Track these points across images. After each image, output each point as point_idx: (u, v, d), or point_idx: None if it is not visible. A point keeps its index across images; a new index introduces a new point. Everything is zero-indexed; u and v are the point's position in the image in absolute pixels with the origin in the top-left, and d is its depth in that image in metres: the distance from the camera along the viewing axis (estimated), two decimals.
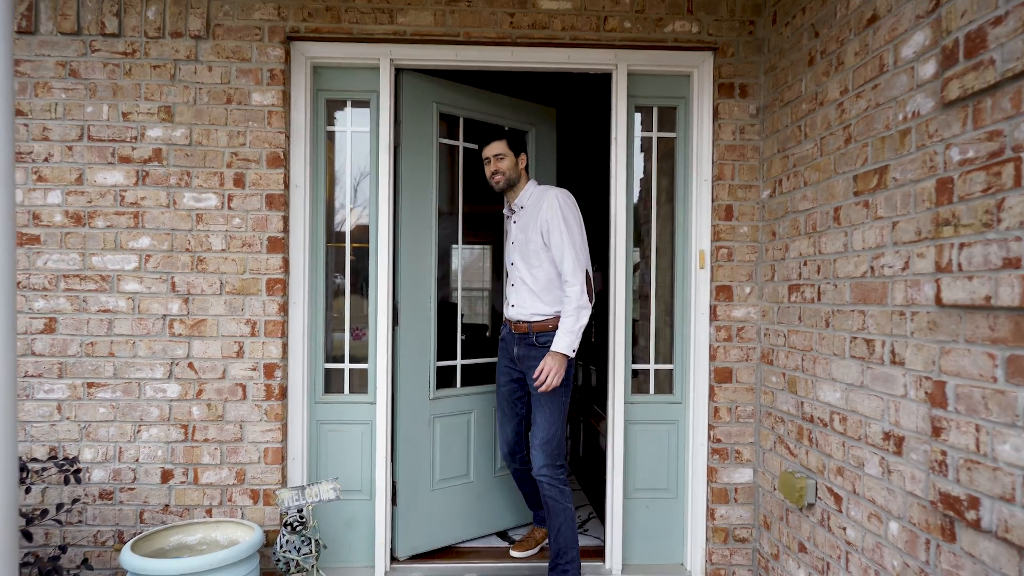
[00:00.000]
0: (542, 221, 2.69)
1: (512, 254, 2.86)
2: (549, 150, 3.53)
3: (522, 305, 2.79)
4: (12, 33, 1.38)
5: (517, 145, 2.84)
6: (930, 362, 1.77)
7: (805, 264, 2.47)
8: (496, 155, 2.81)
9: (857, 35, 2.15)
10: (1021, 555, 1.46)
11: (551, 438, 2.69)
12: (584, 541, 3.24)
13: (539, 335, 2.75)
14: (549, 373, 2.58)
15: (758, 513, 2.85)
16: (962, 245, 1.64)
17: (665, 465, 3.01)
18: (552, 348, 2.60)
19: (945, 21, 1.73)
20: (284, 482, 2.82)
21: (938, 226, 1.74)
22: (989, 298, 1.55)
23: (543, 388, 2.59)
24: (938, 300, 1.72)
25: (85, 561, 2.56)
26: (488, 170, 2.86)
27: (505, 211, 2.96)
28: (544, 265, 2.72)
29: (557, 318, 2.70)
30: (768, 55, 2.81)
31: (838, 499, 2.22)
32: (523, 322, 2.79)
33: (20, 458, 2.55)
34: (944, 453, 1.70)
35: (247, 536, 2.58)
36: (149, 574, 2.28)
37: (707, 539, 2.91)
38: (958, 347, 1.66)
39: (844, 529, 2.19)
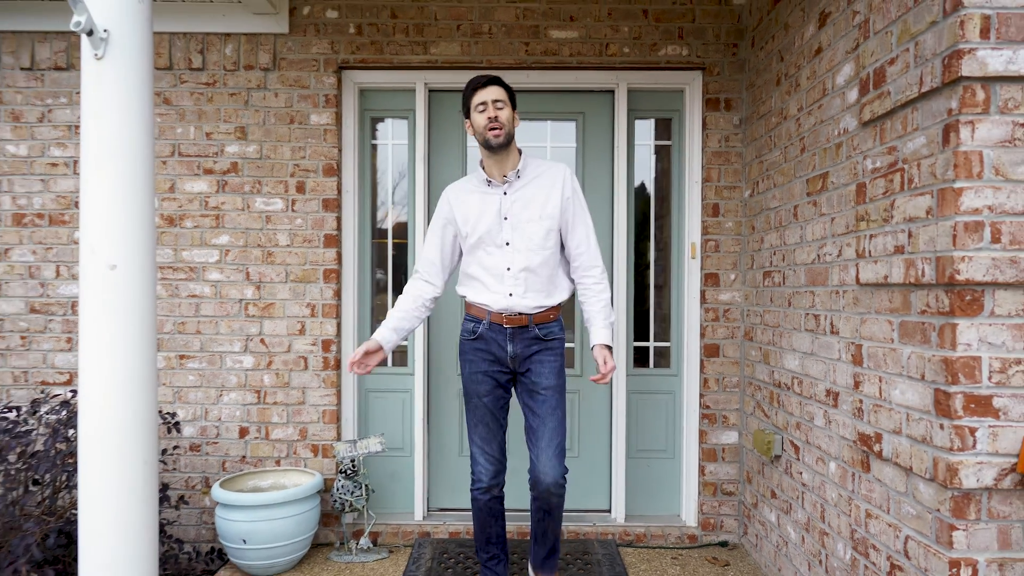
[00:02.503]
0: (559, 199, 2.43)
1: (503, 232, 2.43)
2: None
3: (524, 294, 2.42)
4: (152, 73, 1.93)
5: (512, 98, 2.47)
6: (854, 330, 2.21)
7: (775, 254, 2.91)
8: (495, 101, 2.38)
9: (808, 62, 2.59)
10: (907, 474, 1.91)
11: (563, 443, 2.43)
12: (590, 502, 3.71)
13: (541, 326, 2.46)
14: (614, 368, 2.41)
15: (742, 470, 3.30)
16: (871, 236, 2.09)
17: (664, 429, 3.48)
18: (604, 342, 2.44)
19: (861, 58, 2.17)
20: (339, 438, 3.36)
21: (857, 221, 2.18)
22: (887, 277, 1.99)
23: (604, 381, 2.39)
24: (857, 280, 2.17)
25: (181, 498, 3.15)
26: (482, 118, 2.38)
27: (483, 180, 2.49)
28: (552, 248, 2.44)
29: (557, 308, 2.50)
30: (748, 74, 3.25)
31: (796, 449, 2.67)
32: (523, 314, 2.43)
33: None
34: (861, 401, 2.15)
35: (309, 481, 3.13)
36: (235, 504, 2.85)
37: (699, 493, 3.36)
38: (870, 317, 2.10)
39: (800, 473, 2.63)
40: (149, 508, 1.95)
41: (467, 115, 2.47)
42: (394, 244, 3.53)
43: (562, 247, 2.54)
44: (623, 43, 3.31)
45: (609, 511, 3.49)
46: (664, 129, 3.51)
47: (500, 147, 2.39)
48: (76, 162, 3.32)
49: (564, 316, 2.69)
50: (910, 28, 1.89)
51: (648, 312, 3.54)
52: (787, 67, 2.79)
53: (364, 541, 3.19)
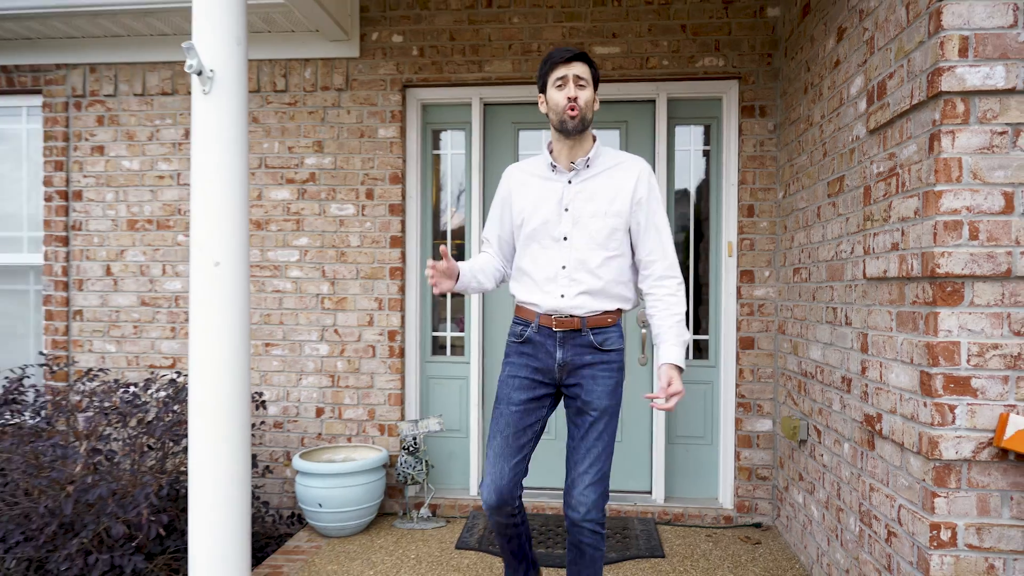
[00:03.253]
0: (628, 197, 2.15)
1: (561, 224, 2.16)
2: None
3: (578, 297, 2.14)
4: (246, 101, 2.33)
5: (596, 80, 2.19)
6: (863, 321, 2.41)
7: (802, 251, 3.10)
8: (578, 77, 2.10)
9: (829, 73, 2.78)
10: (901, 450, 2.11)
11: (607, 471, 2.15)
12: (631, 484, 3.95)
13: (596, 332, 2.16)
14: (680, 394, 2.06)
15: (776, 456, 3.49)
16: (875, 234, 2.29)
17: (702, 417, 3.70)
18: (674, 362, 2.09)
19: (868, 71, 2.37)
20: (403, 418, 3.74)
21: (864, 220, 2.38)
22: (885, 272, 2.19)
23: (666, 407, 2.06)
24: (864, 275, 2.37)
25: (267, 468, 3.60)
26: (560, 96, 2.10)
27: (547, 164, 2.22)
28: (615, 251, 2.16)
29: (617, 312, 2.21)
30: (782, 82, 3.44)
31: (819, 433, 2.86)
32: (575, 316, 2.15)
33: None
34: (866, 385, 2.35)
35: (376, 455, 3.51)
36: (313, 472, 3.26)
37: (735, 477, 3.57)
38: (875, 308, 2.30)
39: (822, 456, 2.83)
40: (243, 468, 2.36)
41: (542, 89, 2.18)
42: (454, 244, 3.88)
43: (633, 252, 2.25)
44: (662, 56, 3.56)
45: (650, 492, 3.73)
46: (704, 135, 3.73)
47: (575, 131, 2.11)
48: (179, 175, 3.82)
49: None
50: (904, 46, 2.10)
51: (688, 307, 3.76)
52: (812, 77, 2.99)
53: (424, 511, 3.55)
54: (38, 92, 3.95)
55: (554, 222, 2.16)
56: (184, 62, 2.40)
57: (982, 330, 1.88)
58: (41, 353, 3.82)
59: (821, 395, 2.83)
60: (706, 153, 3.72)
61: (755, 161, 3.53)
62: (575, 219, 2.16)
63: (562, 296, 2.16)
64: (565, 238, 2.16)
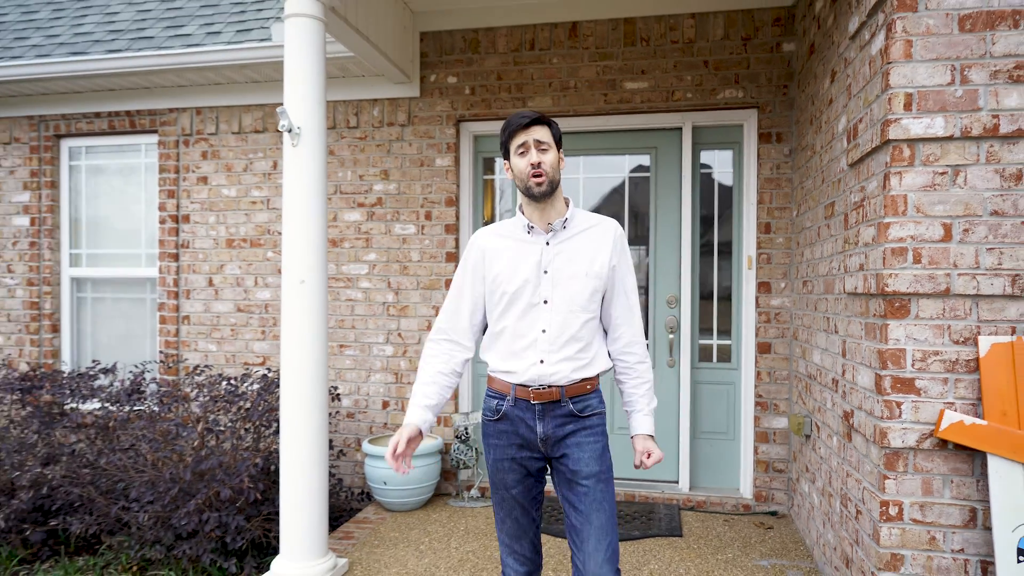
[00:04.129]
0: (607, 258, 2.08)
1: (541, 287, 2.05)
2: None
3: (557, 363, 2.03)
4: (325, 149, 2.90)
5: (558, 139, 2.11)
6: (845, 329, 2.77)
7: (808, 266, 3.45)
8: (538, 142, 2.03)
9: (826, 109, 3.14)
10: (865, 440, 2.47)
11: (615, 544, 2.02)
12: (659, 474, 4.33)
13: (576, 400, 2.05)
14: (659, 459, 2.09)
15: (791, 451, 3.83)
16: (850, 255, 2.65)
17: (724, 414, 4.07)
18: (647, 432, 2.10)
19: (848, 113, 2.73)
20: (456, 411, 4.27)
21: (845, 243, 2.74)
22: (856, 288, 2.56)
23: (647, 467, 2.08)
24: (843, 290, 2.73)
25: (341, 451, 4.20)
26: (523, 162, 2.03)
27: (522, 225, 2.11)
28: (594, 312, 2.09)
29: (595, 379, 2.10)
30: (796, 111, 3.79)
31: (818, 428, 3.22)
32: (552, 386, 2.03)
33: None
34: (845, 385, 2.71)
35: (433, 442, 4.04)
36: (379, 455, 3.83)
37: (753, 469, 3.93)
38: (852, 319, 2.67)
39: (819, 449, 3.18)
40: (322, 449, 2.93)
41: (506, 156, 2.11)
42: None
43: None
44: (687, 89, 3.96)
45: (676, 482, 4.13)
46: (726, 159, 4.11)
47: (543, 196, 2.03)
48: (269, 200, 4.47)
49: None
50: (868, 97, 2.47)
51: (712, 315, 4.14)
52: (815, 110, 3.34)
53: (474, 492, 4.07)
54: (154, 132, 4.69)
55: (533, 284, 2.05)
56: (274, 110, 2.99)
57: (925, 339, 2.24)
58: (161, 352, 4.55)
59: (819, 395, 3.19)
60: (726, 176, 4.10)
61: (772, 183, 3.88)
62: (555, 281, 2.05)
63: (541, 362, 2.02)
64: (545, 301, 2.05)
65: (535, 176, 2.01)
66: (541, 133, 2.04)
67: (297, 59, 2.85)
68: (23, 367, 4.83)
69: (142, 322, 4.85)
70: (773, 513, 3.85)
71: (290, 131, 2.80)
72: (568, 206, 2.13)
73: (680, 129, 4.08)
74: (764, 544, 3.42)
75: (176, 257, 4.61)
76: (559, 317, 2.04)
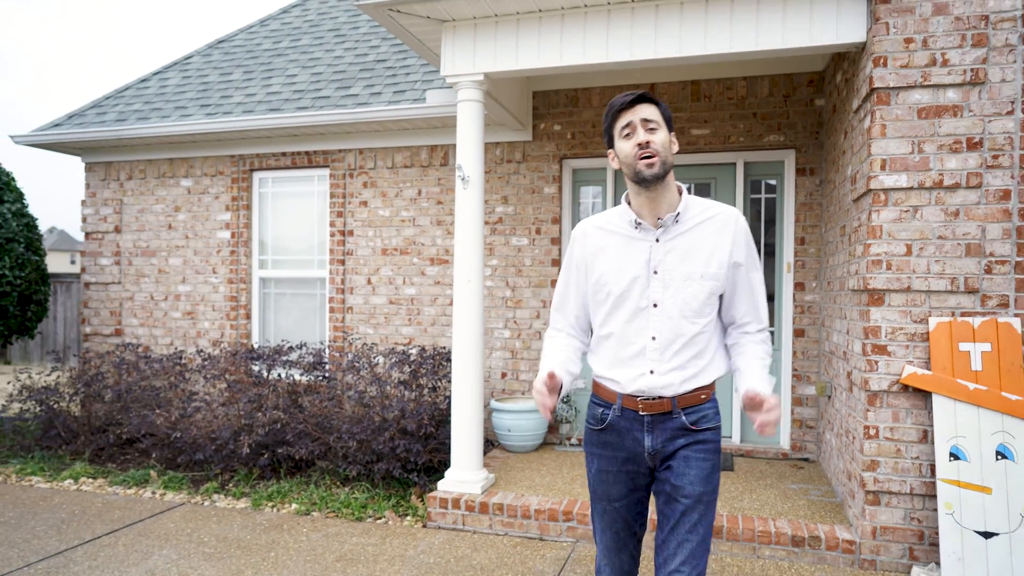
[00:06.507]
0: (727, 255, 1.90)
1: (650, 290, 1.90)
2: None
3: (670, 374, 1.89)
4: (483, 189, 4.25)
5: (668, 119, 1.91)
6: (848, 315, 3.94)
7: (830, 270, 4.62)
8: (646, 121, 1.84)
9: (840, 157, 4.32)
10: (859, 388, 3.65)
11: (704, 568, 1.90)
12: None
13: (689, 411, 1.91)
14: (774, 414, 1.78)
15: (819, 412, 4.99)
16: (851, 264, 3.84)
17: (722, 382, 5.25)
18: (768, 392, 1.85)
19: (852, 164, 3.92)
20: None
21: (850, 255, 3.93)
22: (854, 286, 3.74)
23: (766, 431, 1.77)
24: (848, 287, 3.92)
25: None
26: (628, 145, 1.85)
27: (629, 219, 1.94)
28: (711, 316, 1.93)
29: (711, 386, 1.96)
30: (824, 151, 4.96)
31: (836, 389, 4.39)
32: (664, 397, 1.89)
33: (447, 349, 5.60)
34: (846, 353, 3.89)
35: None
36: (504, 409, 5.17)
37: (790, 426, 5.11)
38: (852, 307, 3.85)
39: (836, 404, 4.35)
40: (478, 400, 4.28)
41: (610, 144, 1.95)
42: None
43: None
44: (740, 135, 5.17)
45: (730, 436, 5.33)
46: (771, 187, 5.29)
47: (655, 179, 1.83)
48: (415, 219, 5.88)
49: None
50: (861, 157, 3.66)
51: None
52: (835, 155, 4.52)
53: (573, 441, 5.37)
54: (326, 167, 6.17)
55: (641, 287, 1.90)
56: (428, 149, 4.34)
57: (894, 319, 3.43)
58: (334, 333, 6.02)
59: (835, 364, 4.37)
60: (771, 200, 5.28)
61: (805, 207, 5.06)
62: (666, 283, 1.89)
63: (652, 372, 1.88)
64: (655, 305, 1.89)
65: (644, 158, 1.80)
66: (648, 111, 1.84)
67: (466, 130, 4.21)
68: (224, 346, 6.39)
69: (312, 312, 6.33)
70: (805, 459, 5.03)
71: (464, 179, 4.16)
72: (681, 195, 1.93)
73: (734, 164, 5.29)
74: (795, 477, 4.61)
75: (343, 262, 6.07)
76: (671, 323, 1.87)
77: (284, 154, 6.22)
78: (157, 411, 5.23)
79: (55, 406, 5.71)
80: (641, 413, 1.90)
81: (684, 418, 1.90)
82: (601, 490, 2.01)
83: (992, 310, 3.30)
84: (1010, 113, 3.27)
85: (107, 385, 5.65)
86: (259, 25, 7.60)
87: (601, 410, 1.99)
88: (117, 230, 6.75)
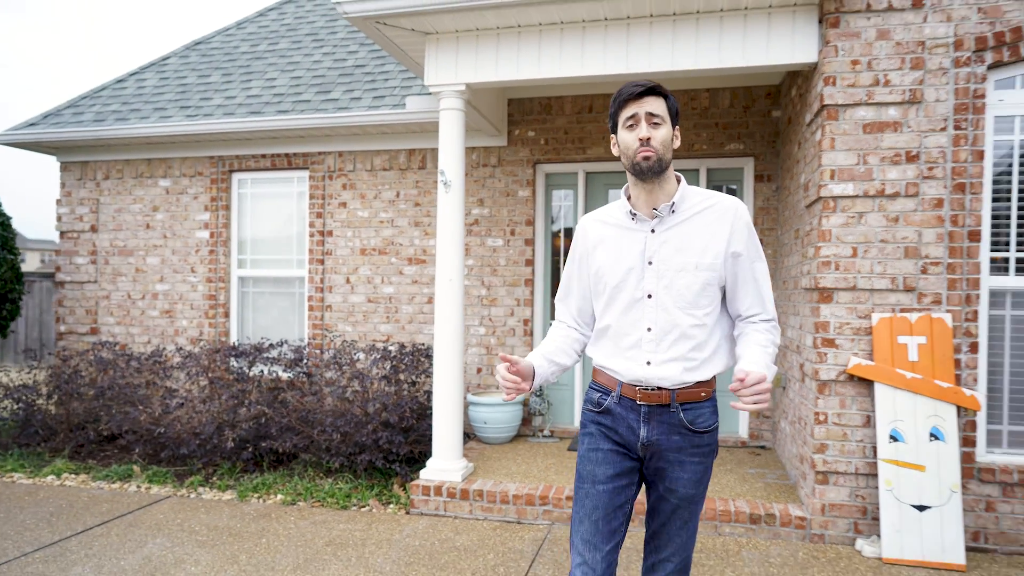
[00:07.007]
0: (723, 245, 1.88)
1: (644, 280, 1.91)
2: None
3: (666, 366, 1.87)
4: (464, 193, 4.49)
5: (675, 113, 1.90)
6: (801, 312, 4.28)
7: (786, 270, 4.97)
8: (650, 115, 1.83)
9: (795, 165, 4.66)
10: (810, 378, 3.99)
11: (691, 557, 2.01)
12: None
13: (687, 408, 1.89)
14: (761, 388, 1.67)
15: (775, 402, 5.35)
16: (804, 264, 4.18)
17: (728, 377, 5.60)
18: (758, 369, 1.74)
19: (805, 173, 4.26)
20: None
21: (803, 256, 4.27)
22: (806, 285, 4.08)
23: (754, 406, 1.68)
24: (796, 285, 4.26)
25: None
26: (631, 137, 1.85)
27: (625, 211, 1.96)
28: (708, 307, 1.89)
29: (710, 383, 1.93)
30: (780, 159, 5.31)
31: (790, 380, 4.74)
32: (662, 389, 1.88)
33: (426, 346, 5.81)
34: (799, 346, 4.23)
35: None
36: (480, 403, 5.41)
37: (749, 416, 5.46)
38: (804, 304, 4.19)
39: (790, 394, 4.70)
40: (459, 392, 4.51)
41: (613, 130, 1.94)
42: (564, 263, 5.94)
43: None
44: (703, 143, 5.50)
45: None
46: (732, 192, 5.63)
47: (652, 173, 1.84)
48: (393, 220, 6.08)
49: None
50: (812, 167, 4.00)
51: None
52: (790, 164, 4.87)
53: (546, 432, 5.64)
54: (305, 169, 6.33)
55: (635, 278, 1.91)
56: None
57: (841, 315, 3.77)
58: (312, 331, 6.18)
59: (790, 358, 4.71)
60: None
61: (763, 211, 5.41)
62: (660, 274, 1.89)
63: (648, 363, 1.88)
64: (649, 296, 1.90)
65: (643, 152, 1.82)
66: (655, 105, 1.84)
67: (449, 137, 4.44)
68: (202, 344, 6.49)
69: (291, 310, 6.48)
70: (762, 447, 5.38)
71: (446, 184, 4.39)
72: (679, 185, 1.94)
73: (698, 170, 5.62)
74: (753, 462, 4.95)
75: (322, 262, 6.24)
76: (665, 314, 1.88)
77: (264, 156, 6.36)
78: (140, 407, 5.34)
79: (33, 404, 5.76)
80: (639, 403, 1.91)
81: (682, 415, 1.89)
82: (588, 470, 1.97)
83: (927, 306, 3.66)
84: (943, 129, 3.64)
85: (86, 382, 5.72)
86: (236, 28, 7.70)
87: (599, 395, 2.00)
88: (93, 229, 6.80)
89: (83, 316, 6.84)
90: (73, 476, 5.12)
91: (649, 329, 1.89)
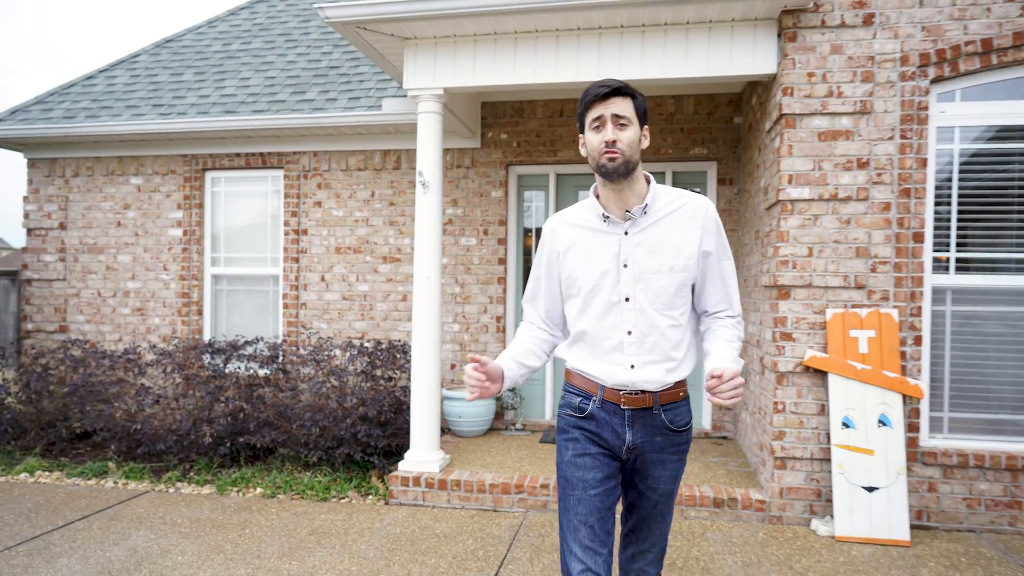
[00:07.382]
0: (696, 246, 1.90)
1: (621, 284, 1.91)
2: None
3: (649, 368, 1.89)
4: (441, 193, 4.64)
5: (642, 113, 1.89)
6: (761, 308, 4.54)
7: (747, 269, 5.23)
8: (616, 116, 1.83)
9: (755, 170, 4.93)
10: (769, 370, 4.24)
11: (665, 547, 2.12)
12: None
13: (668, 409, 1.92)
14: (734, 382, 1.72)
15: None
16: (764, 263, 4.43)
17: (693, 373, 5.85)
18: (733, 366, 1.80)
19: (765, 177, 4.52)
20: None
21: (762, 256, 4.53)
22: (766, 283, 4.33)
23: (731, 401, 1.72)
24: (756, 283, 4.52)
25: None
26: (595, 139, 1.85)
27: (597, 213, 1.95)
28: (683, 307, 1.92)
29: (683, 383, 1.96)
30: (742, 164, 5.59)
31: (751, 373, 5.00)
32: (646, 392, 1.89)
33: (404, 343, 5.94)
34: (759, 340, 4.49)
35: None
36: (455, 398, 5.57)
37: (712, 409, 5.72)
38: (764, 301, 4.44)
39: (751, 386, 4.96)
40: (436, 387, 4.66)
41: (581, 130, 1.93)
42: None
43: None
44: (669, 147, 5.74)
45: None
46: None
47: (618, 175, 1.84)
48: (368, 219, 6.19)
49: None
50: (771, 172, 4.26)
51: None
52: (751, 168, 5.14)
53: (518, 426, 5.82)
54: (281, 168, 6.39)
55: (611, 282, 1.90)
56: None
57: (798, 311, 4.03)
58: (287, 329, 6.25)
59: (751, 352, 4.98)
60: None
61: (725, 213, 5.68)
62: (636, 277, 1.89)
63: (632, 367, 1.89)
64: (627, 299, 1.90)
65: (608, 154, 1.82)
66: (621, 106, 1.83)
67: (426, 139, 4.59)
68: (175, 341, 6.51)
69: (265, 308, 6.54)
70: (724, 437, 5.65)
71: (424, 184, 4.54)
72: (649, 186, 1.94)
73: (664, 173, 5.87)
74: (716, 452, 5.21)
75: (297, 260, 6.32)
76: (643, 316, 1.89)
77: (238, 155, 6.40)
78: (115, 404, 5.36)
79: (2, 402, 5.72)
80: (623, 407, 1.91)
81: (664, 416, 1.91)
82: (577, 476, 1.94)
83: (876, 303, 3.94)
84: (891, 139, 3.92)
85: (56, 380, 5.71)
86: (207, 26, 7.71)
87: (580, 399, 1.97)
88: (62, 227, 6.75)
89: (51, 314, 6.79)
90: (47, 473, 5.12)
91: (630, 332, 1.90)
